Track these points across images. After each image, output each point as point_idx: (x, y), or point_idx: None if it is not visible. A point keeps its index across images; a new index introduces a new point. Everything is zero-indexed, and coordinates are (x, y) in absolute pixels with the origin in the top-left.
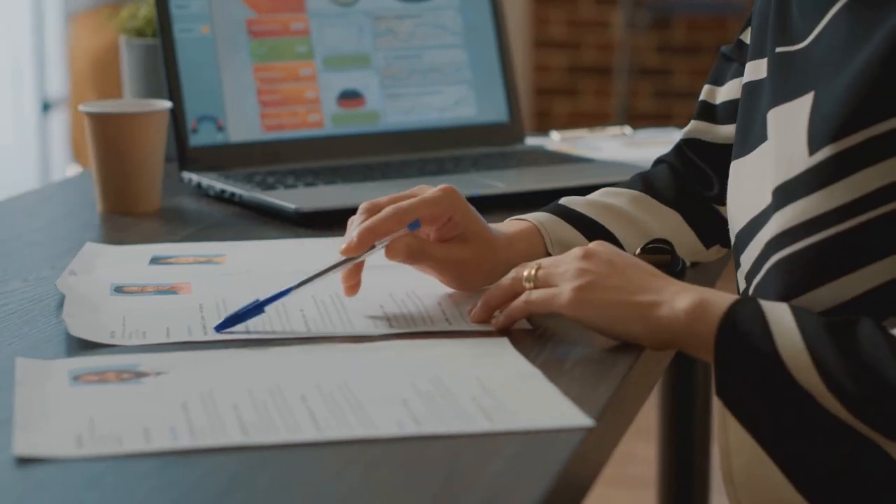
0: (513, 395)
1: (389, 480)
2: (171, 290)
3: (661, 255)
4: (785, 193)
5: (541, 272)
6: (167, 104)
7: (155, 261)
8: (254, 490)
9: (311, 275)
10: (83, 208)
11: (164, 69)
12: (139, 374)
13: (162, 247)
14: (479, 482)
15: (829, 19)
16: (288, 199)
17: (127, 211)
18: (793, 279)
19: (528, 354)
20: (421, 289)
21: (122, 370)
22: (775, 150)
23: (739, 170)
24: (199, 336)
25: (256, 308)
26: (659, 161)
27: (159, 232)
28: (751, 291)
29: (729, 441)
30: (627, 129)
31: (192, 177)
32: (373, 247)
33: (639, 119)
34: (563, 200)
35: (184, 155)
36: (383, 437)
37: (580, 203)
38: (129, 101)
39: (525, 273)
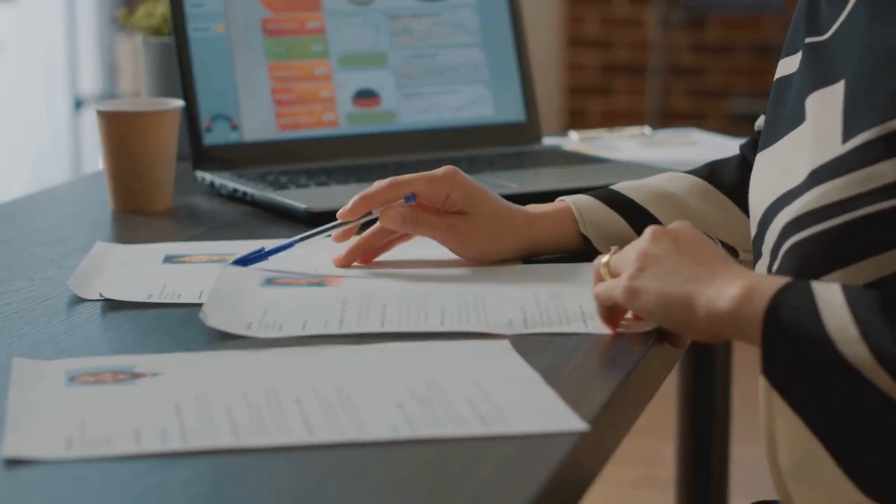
0: (508, 398)
1: (377, 485)
2: (321, 283)
3: None
4: (818, 175)
5: (613, 258)
6: (179, 103)
7: (169, 259)
8: (237, 496)
9: (310, 233)
10: (95, 207)
11: (178, 68)
12: (135, 375)
13: (175, 245)
14: (467, 487)
15: (851, 6)
16: (299, 198)
17: (138, 210)
18: (807, 263)
19: (529, 358)
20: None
21: (119, 371)
22: (813, 131)
23: (765, 159)
24: (334, 329)
25: (261, 255)
26: (741, 148)
27: (169, 231)
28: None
29: (774, 423)
30: (647, 129)
31: (206, 176)
32: (369, 213)
33: (673, 118)
34: (617, 185)
35: (198, 154)
36: (376, 441)
37: (633, 187)
38: (142, 100)
39: (603, 261)
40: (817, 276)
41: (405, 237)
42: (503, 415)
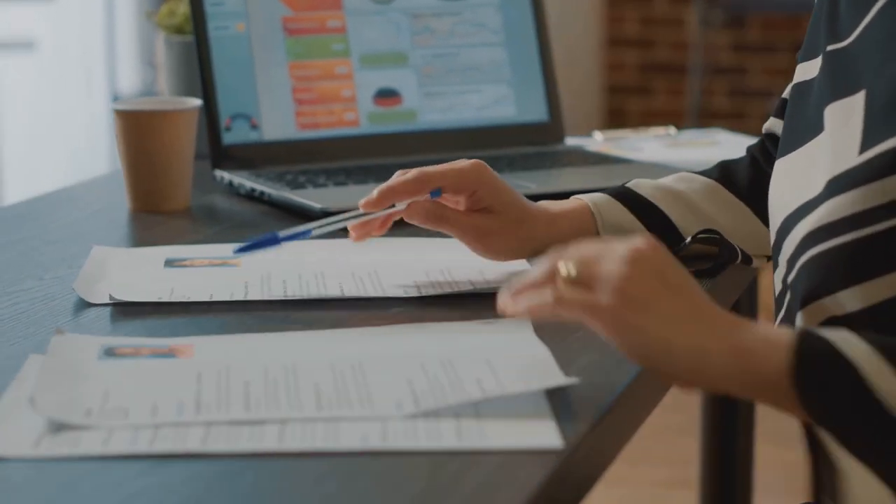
0: (497, 411)
1: (366, 491)
2: (170, 354)
3: (710, 244)
4: (835, 186)
5: (581, 269)
6: (196, 102)
7: (170, 263)
8: (226, 499)
9: (328, 220)
10: (113, 206)
11: (197, 67)
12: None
13: (174, 249)
14: (456, 495)
15: (873, 14)
16: (315, 198)
17: (155, 209)
18: (823, 277)
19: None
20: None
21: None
22: (831, 142)
23: (783, 167)
24: (189, 417)
25: (273, 240)
26: (748, 150)
27: (184, 230)
28: (785, 289)
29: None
30: (672, 130)
31: (224, 175)
32: (393, 206)
33: (712, 118)
34: (632, 183)
35: (217, 153)
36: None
37: (647, 186)
38: (159, 99)
39: (563, 269)
40: (834, 291)
41: None
42: (480, 429)
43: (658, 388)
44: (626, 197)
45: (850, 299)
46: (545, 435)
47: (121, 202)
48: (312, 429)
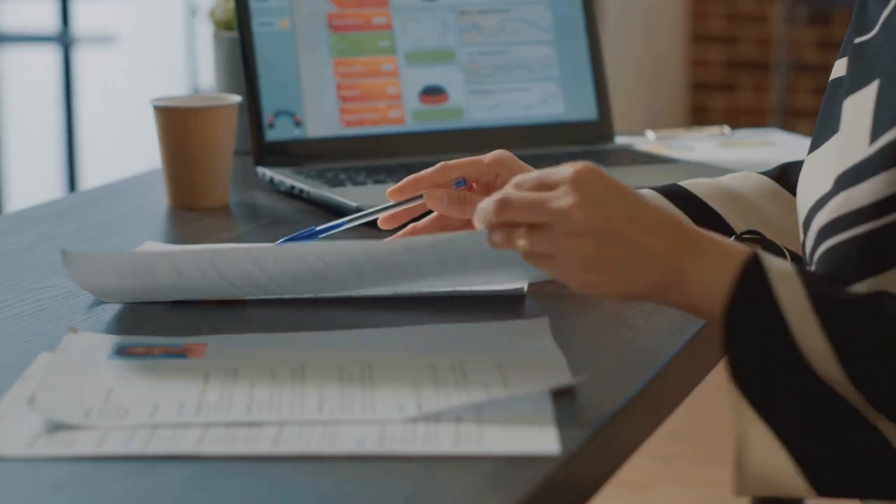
0: (499, 416)
1: (353, 496)
2: (181, 354)
3: (754, 244)
4: (844, 180)
5: (536, 236)
6: (236, 98)
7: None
8: (210, 501)
9: (360, 214)
10: (152, 203)
11: (241, 63)
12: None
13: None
14: (441, 502)
15: (894, 4)
16: (351, 196)
17: (194, 205)
18: (838, 270)
19: None
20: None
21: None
22: (844, 135)
23: (810, 164)
24: (189, 418)
25: (311, 235)
26: None
27: (219, 227)
28: None
29: (747, 426)
30: (726, 129)
31: (266, 172)
32: (420, 196)
33: (797, 116)
34: (684, 182)
35: (259, 150)
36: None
37: (699, 184)
38: (199, 96)
39: (520, 244)
40: (848, 284)
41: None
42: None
43: (670, 396)
44: (673, 193)
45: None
46: (544, 441)
47: (161, 199)
48: (309, 432)
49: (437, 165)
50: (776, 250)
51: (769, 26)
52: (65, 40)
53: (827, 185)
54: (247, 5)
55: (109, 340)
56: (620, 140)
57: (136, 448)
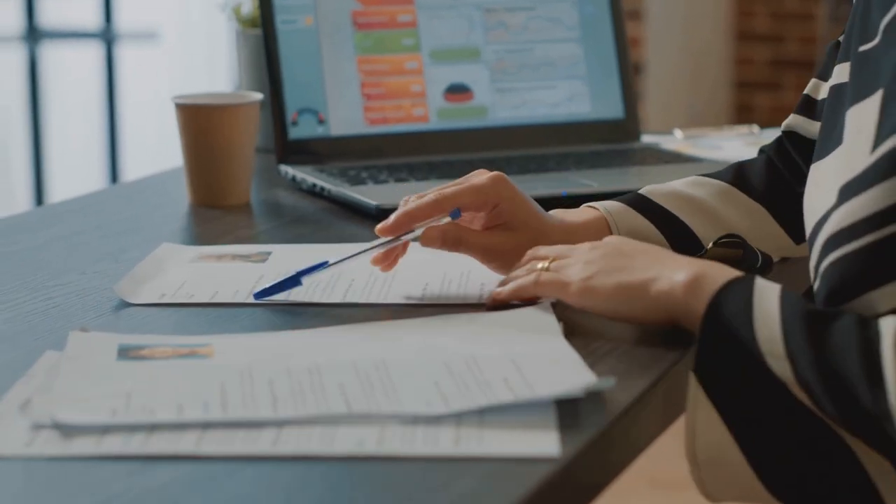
0: (501, 418)
1: (346, 497)
2: (192, 354)
3: (732, 249)
4: (847, 191)
5: (553, 264)
6: (257, 96)
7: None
8: (201, 502)
9: (349, 254)
10: (174, 201)
11: (265, 60)
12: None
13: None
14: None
15: (894, 12)
16: (371, 195)
17: (215, 203)
18: (841, 283)
19: None
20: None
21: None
22: (846, 148)
23: (815, 173)
24: (216, 415)
25: (293, 279)
26: (761, 151)
27: (239, 225)
28: (812, 298)
29: (696, 419)
30: (755, 128)
31: (289, 170)
32: (412, 230)
33: None
34: (645, 189)
35: (282, 147)
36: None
37: (660, 193)
38: (221, 94)
39: (539, 266)
40: (852, 297)
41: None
42: (478, 437)
43: (675, 403)
44: (642, 205)
45: (875, 302)
46: (543, 444)
47: (183, 196)
48: (309, 433)
49: (433, 197)
50: (752, 254)
51: (814, 25)
52: (107, 37)
53: (832, 198)
54: (270, 3)
55: (117, 340)
56: (647, 139)
57: (134, 448)
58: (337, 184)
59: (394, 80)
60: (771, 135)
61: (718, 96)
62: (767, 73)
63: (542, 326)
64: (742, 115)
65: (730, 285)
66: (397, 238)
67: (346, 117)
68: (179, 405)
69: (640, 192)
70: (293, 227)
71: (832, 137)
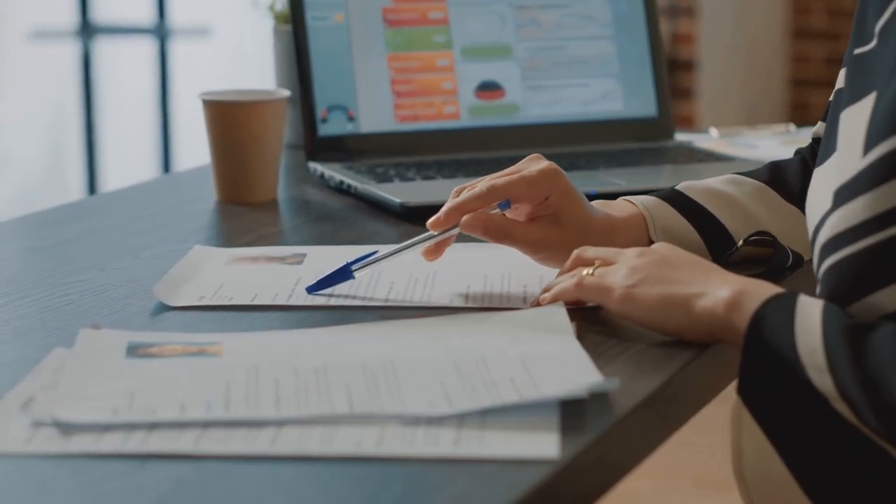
0: (502, 419)
1: (338, 498)
2: (201, 352)
3: (763, 247)
4: (840, 196)
5: (598, 271)
6: (285, 93)
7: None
8: (190, 501)
9: (398, 246)
10: (201, 198)
11: (295, 57)
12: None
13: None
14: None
15: (889, 14)
16: (397, 192)
17: (242, 200)
18: (839, 287)
19: None
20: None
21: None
22: (840, 152)
23: (816, 178)
24: (218, 414)
25: (344, 271)
26: (797, 152)
27: (263, 223)
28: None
29: (742, 437)
30: (791, 127)
31: (318, 167)
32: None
33: None
34: (682, 185)
35: (311, 144)
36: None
37: (697, 189)
38: (248, 90)
39: (584, 272)
40: (850, 301)
41: None
42: (478, 438)
43: (679, 409)
44: (678, 200)
45: (874, 305)
46: (543, 446)
47: (211, 193)
48: (308, 433)
49: (483, 188)
50: (783, 252)
51: None
52: (161, 32)
53: (828, 202)
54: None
55: (126, 338)
56: (681, 137)
57: (133, 446)
58: (363, 181)
59: (425, 77)
60: (807, 133)
61: (774, 94)
62: (824, 70)
63: (553, 326)
64: (798, 112)
65: (772, 301)
66: (446, 231)
67: (376, 114)
68: (182, 404)
69: (676, 187)
70: (318, 225)
71: (830, 141)
